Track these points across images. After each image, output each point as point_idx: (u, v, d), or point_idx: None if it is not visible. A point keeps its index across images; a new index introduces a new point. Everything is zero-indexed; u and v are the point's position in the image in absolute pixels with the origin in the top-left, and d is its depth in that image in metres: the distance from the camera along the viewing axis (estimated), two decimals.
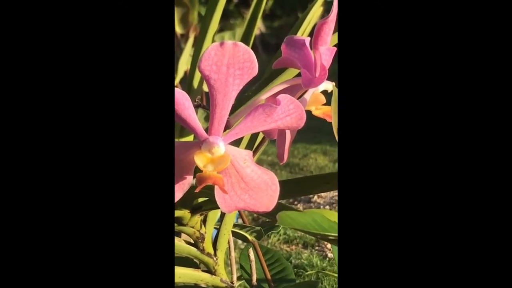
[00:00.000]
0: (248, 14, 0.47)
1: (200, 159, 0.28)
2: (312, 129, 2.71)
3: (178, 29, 0.72)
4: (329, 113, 0.33)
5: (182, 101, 0.28)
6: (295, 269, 1.44)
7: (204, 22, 0.41)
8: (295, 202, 1.93)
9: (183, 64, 0.70)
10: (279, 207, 0.31)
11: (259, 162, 0.33)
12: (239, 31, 0.74)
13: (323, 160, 2.45)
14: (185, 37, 0.73)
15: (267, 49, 4.41)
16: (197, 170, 0.29)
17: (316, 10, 0.44)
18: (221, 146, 0.29)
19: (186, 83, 0.42)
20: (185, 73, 0.72)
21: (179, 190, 0.30)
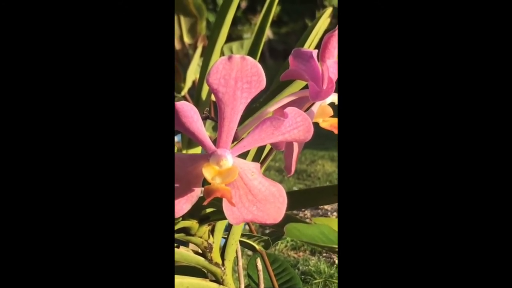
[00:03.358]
0: (256, 25, 0.47)
1: (208, 172, 0.29)
2: (320, 136, 2.70)
3: (187, 39, 0.73)
4: (336, 125, 0.33)
5: (191, 114, 0.28)
6: (302, 276, 1.44)
7: (213, 34, 0.42)
8: (302, 209, 1.93)
9: (191, 74, 0.70)
10: (286, 218, 0.31)
11: (267, 168, 0.33)
12: (247, 41, 0.74)
13: (331, 167, 2.45)
14: (193, 46, 0.73)
15: (275, 55, 4.42)
16: (205, 182, 0.29)
17: (323, 21, 0.44)
18: (229, 158, 0.29)
19: (195, 94, 0.43)
20: (193, 83, 0.72)
21: (188, 202, 0.30)
